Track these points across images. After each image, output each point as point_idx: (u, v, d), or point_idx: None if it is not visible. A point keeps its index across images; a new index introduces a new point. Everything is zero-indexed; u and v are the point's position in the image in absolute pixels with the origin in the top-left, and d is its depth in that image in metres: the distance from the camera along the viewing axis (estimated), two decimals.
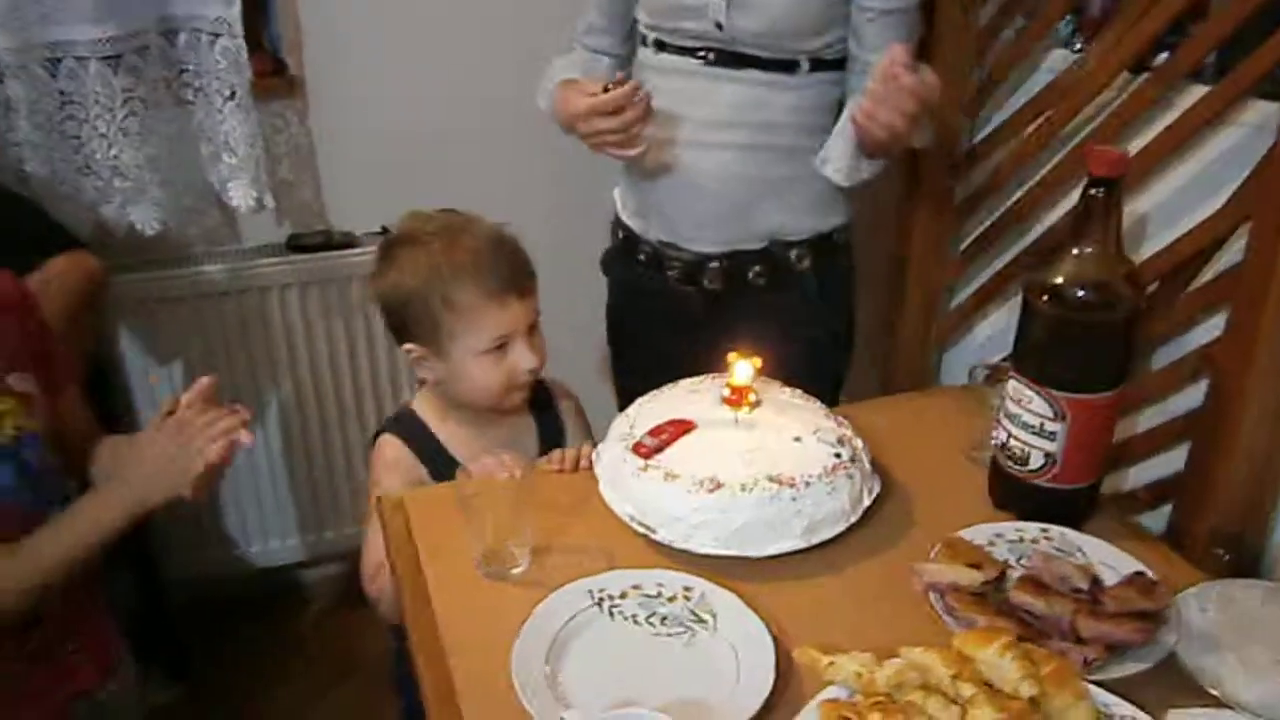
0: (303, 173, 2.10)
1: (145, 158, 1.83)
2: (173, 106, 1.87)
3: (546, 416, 1.44)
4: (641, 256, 1.61)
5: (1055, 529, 1.12)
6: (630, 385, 1.73)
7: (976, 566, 1.03)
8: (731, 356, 1.20)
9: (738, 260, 1.54)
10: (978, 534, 1.12)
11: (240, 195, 1.93)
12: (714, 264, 1.55)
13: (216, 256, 2.06)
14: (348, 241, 2.11)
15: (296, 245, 2.10)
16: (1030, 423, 1.11)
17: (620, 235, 1.64)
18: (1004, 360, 1.30)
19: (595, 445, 1.25)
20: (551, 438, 1.42)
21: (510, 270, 1.27)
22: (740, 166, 1.49)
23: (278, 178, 2.06)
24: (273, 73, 1.98)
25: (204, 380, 1.10)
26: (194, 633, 2.21)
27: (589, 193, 1.75)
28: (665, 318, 1.62)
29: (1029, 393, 1.10)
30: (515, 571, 1.10)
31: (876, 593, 1.07)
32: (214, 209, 2.03)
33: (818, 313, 1.61)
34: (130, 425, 2.04)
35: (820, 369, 1.63)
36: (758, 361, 1.19)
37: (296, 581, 2.37)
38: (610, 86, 1.39)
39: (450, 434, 1.36)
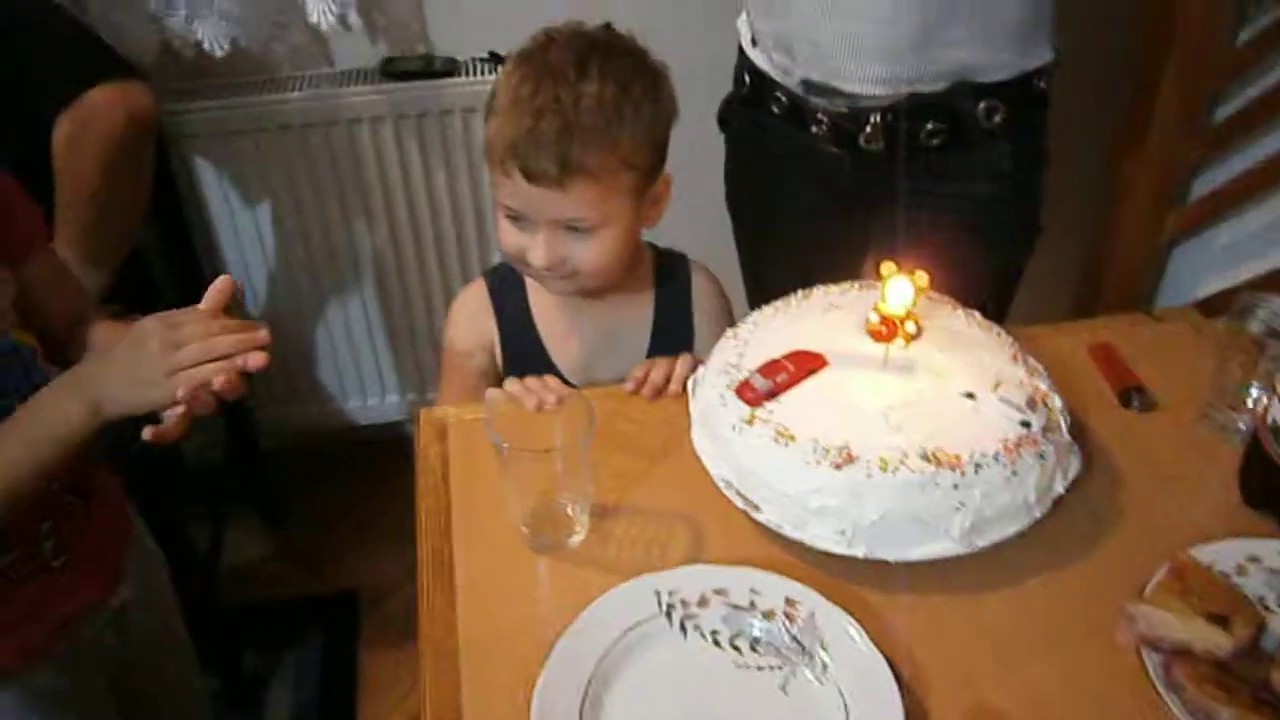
0: None
1: None
2: None
3: (671, 298, 1.12)
4: (775, 108, 1.23)
5: None
6: (759, 270, 1.41)
7: (1219, 617, 0.71)
8: (885, 268, 0.86)
9: (909, 110, 1.15)
10: (1222, 555, 0.78)
11: (319, 10, 1.64)
12: (875, 116, 1.16)
13: (301, 82, 1.79)
14: (450, 68, 1.80)
15: (392, 71, 1.81)
16: None
17: (747, 79, 1.27)
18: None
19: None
20: (671, 330, 1.11)
21: (543, 148, 0.91)
22: None
23: None
24: None
25: (221, 282, 0.82)
26: (289, 486, 2.12)
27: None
28: (802, 188, 1.26)
29: None
30: (571, 540, 0.84)
31: (1063, 628, 0.76)
32: (299, 25, 1.75)
33: (1008, 190, 1.21)
34: (216, 269, 1.88)
35: (1004, 272, 1.26)
36: (923, 279, 0.85)
37: (399, 438, 2.21)
38: None
39: (540, 298, 1.11)
